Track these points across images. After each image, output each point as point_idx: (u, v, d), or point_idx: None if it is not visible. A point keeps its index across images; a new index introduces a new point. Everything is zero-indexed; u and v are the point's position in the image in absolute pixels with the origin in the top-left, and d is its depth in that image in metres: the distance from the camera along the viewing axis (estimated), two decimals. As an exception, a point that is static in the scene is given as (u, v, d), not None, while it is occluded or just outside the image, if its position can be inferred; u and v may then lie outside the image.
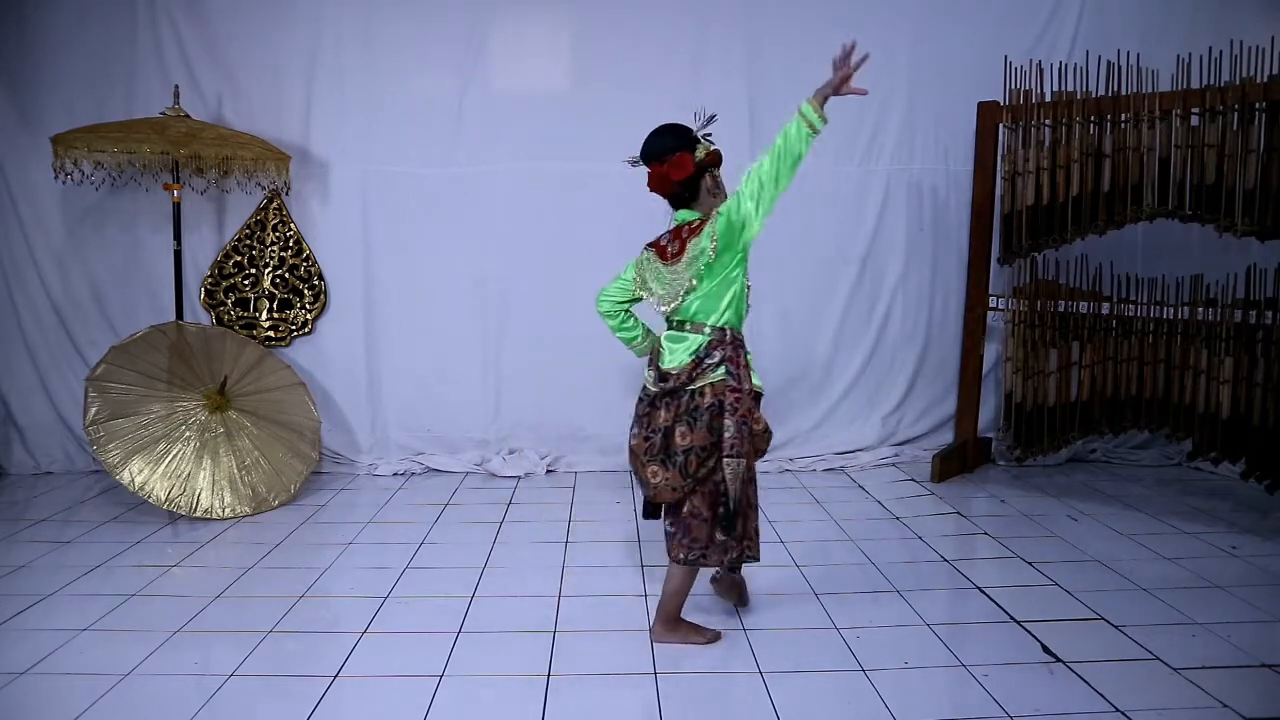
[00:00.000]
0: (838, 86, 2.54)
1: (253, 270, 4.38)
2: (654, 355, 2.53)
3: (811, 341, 4.62)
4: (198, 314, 4.35)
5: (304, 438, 4.13)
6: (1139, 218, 3.77)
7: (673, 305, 2.48)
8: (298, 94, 4.33)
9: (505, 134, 4.38)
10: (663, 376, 2.45)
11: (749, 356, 2.50)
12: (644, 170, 2.57)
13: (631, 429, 2.55)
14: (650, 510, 2.61)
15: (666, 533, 2.54)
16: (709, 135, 2.57)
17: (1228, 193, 3.48)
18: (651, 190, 2.57)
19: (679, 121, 2.56)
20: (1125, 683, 2.31)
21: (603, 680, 2.36)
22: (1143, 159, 3.70)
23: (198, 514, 3.64)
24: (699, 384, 2.42)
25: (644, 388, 2.53)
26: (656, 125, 2.56)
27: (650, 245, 2.60)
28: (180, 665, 2.43)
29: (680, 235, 2.49)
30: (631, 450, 2.53)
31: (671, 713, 2.20)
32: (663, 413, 2.45)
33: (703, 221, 2.44)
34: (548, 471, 4.49)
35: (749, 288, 2.50)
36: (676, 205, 2.55)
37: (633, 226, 4.29)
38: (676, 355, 2.44)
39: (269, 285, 4.39)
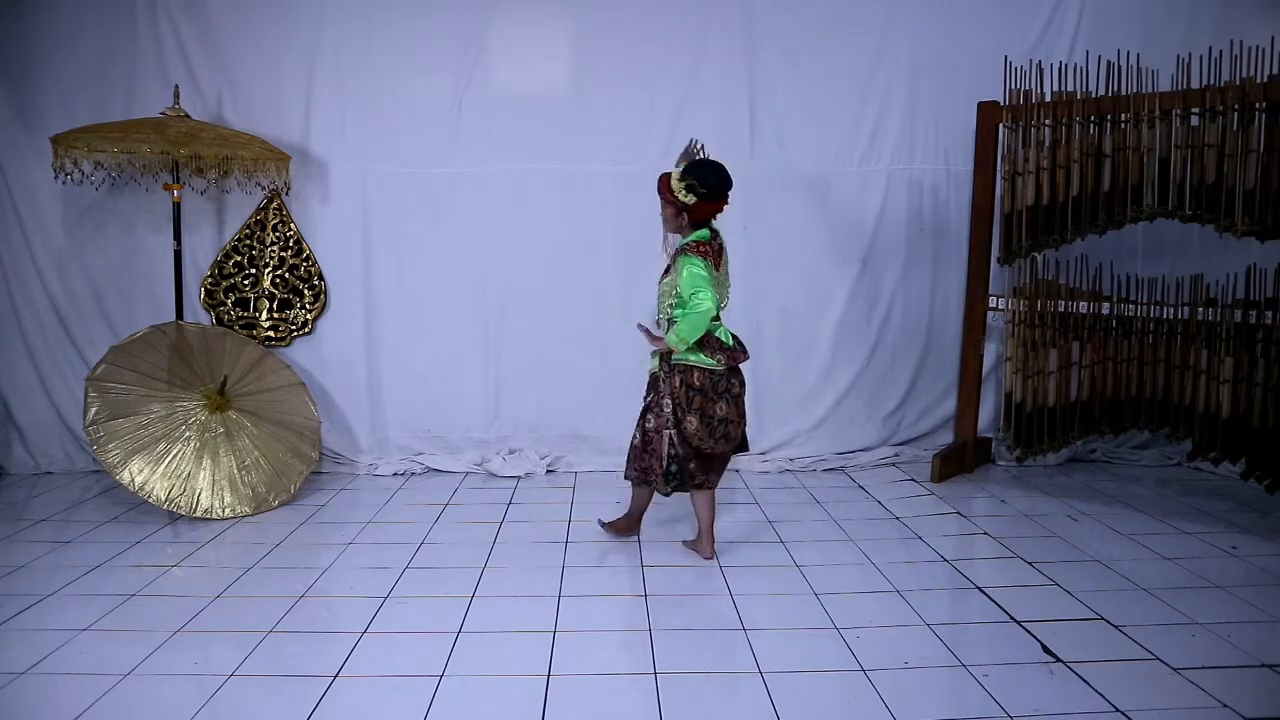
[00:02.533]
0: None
1: (253, 270, 4.38)
2: (719, 343, 3.09)
3: (811, 341, 4.62)
4: (198, 314, 4.35)
5: (304, 438, 4.13)
6: (1139, 218, 3.77)
7: (725, 303, 3.18)
8: (298, 94, 4.33)
9: (505, 134, 4.38)
10: (737, 356, 3.14)
11: None
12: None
13: (716, 408, 3.09)
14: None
15: (696, 479, 3.14)
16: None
17: (1228, 193, 3.48)
18: (699, 209, 3.06)
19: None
20: (1125, 683, 2.31)
21: (603, 680, 2.36)
22: (1143, 159, 3.70)
23: (198, 514, 3.64)
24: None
25: (713, 371, 3.09)
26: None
27: (703, 255, 3.04)
28: (180, 665, 2.43)
29: (715, 249, 3.11)
30: (726, 420, 3.11)
31: (671, 713, 2.20)
32: (736, 382, 3.16)
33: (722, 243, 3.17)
34: (548, 471, 4.49)
35: None
36: (697, 227, 3.10)
37: (631, 226, 4.32)
38: (730, 339, 3.15)
39: (269, 285, 4.39)
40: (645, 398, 3.21)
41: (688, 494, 3.23)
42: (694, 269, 2.97)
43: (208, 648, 2.56)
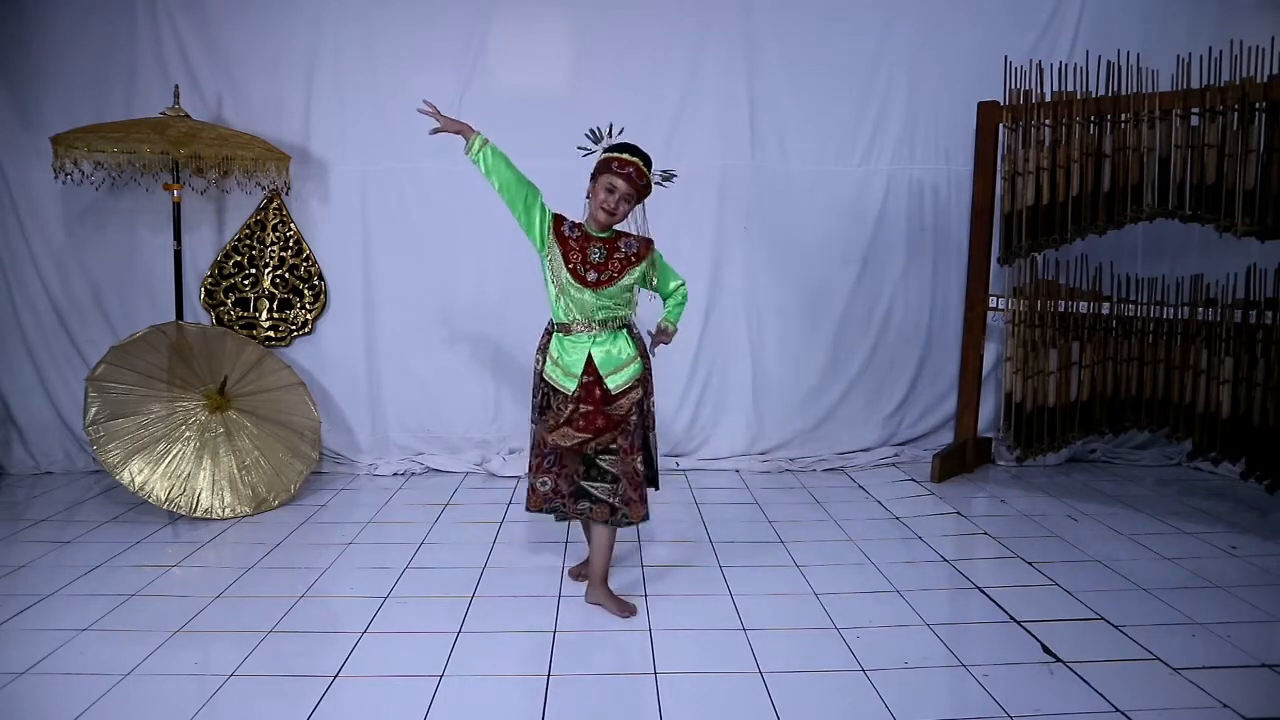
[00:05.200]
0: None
1: (253, 270, 4.38)
2: None
3: (811, 341, 4.62)
4: (198, 314, 4.35)
5: (304, 438, 4.13)
6: (1139, 218, 3.77)
7: None
8: (298, 94, 4.33)
9: (505, 134, 4.31)
10: None
11: (554, 347, 2.76)
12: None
13: None
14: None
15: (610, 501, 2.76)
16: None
17: (1228, 193, 3.48)
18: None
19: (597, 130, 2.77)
20: (1125, 683, 2.31)
21: (602, 680, 2.36)
22: (1143, 159, 3.70)
23: (198, 514, 3.64)
24: None
25: None
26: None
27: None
28: (180, 665, 2.43)
29: None
30: None
31: (671, 713, 2.20)
32: None
33: None
34: (548, 471, 4.49)
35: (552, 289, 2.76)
36: None
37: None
38: None
39: (269, 285, 4.39)
40: (622, 421, 2.72)
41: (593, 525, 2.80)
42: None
43: (208, 648, 2.55)
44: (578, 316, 2.69)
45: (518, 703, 2.24)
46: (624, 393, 2.71)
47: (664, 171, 2.77)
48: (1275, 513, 3.72)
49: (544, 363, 2.76)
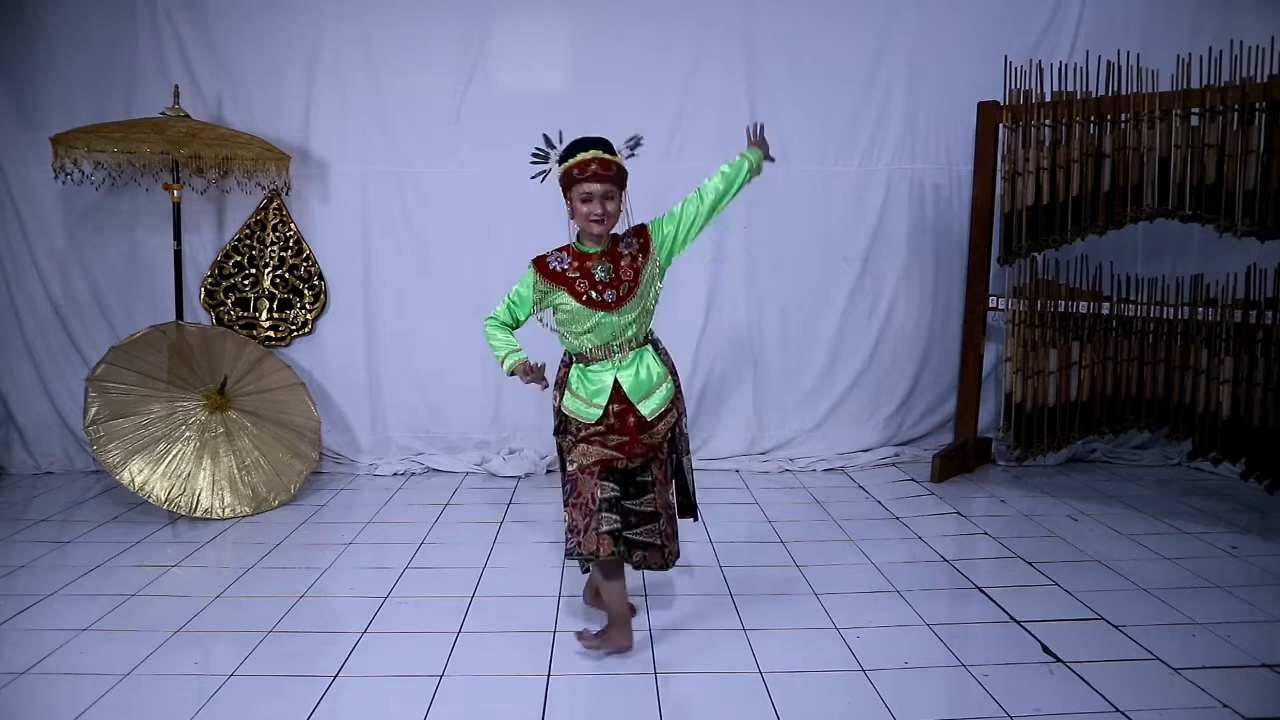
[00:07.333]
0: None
1: (253, 270, 4.38)
2: None
3: (811, 341, 4.62)
4: (198, 314, 4.35)
5: (304, 438, 4.13)
6: (1139, 218, 3.77)
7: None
8: (298, 94, 4.33)
9: (505, 133, 4.38)
10: None
11: (573, 378, 2.54)
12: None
13: None
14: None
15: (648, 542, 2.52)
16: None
17: (1228, 193, 3.48)
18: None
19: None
20: (1125, 683, 2.31)
21: (602, 680, 2.36)
22: (1143, 159, 3.70)
23: (198, 514, 3.64)
24: None
25: None
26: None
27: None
28: (180, 665, 2.43)
29: None
30: None
31: (671, 713, 2.20)
32: None
33: None
34: (548, 471, 4.49)
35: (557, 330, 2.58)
36: None
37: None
38: None
39: (269, 285, 4.39)
40: (657, 449, 2.51)
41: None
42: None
43: (208, 648, 2.55)
44: (598, 344, 2.46)
45: (518, 703, 2.24)
46: (660, 418, 2.47)
47: (629, 141, 2.45)
48: (1275, 513, 3.72)
49: (561, 397, 2.55)
